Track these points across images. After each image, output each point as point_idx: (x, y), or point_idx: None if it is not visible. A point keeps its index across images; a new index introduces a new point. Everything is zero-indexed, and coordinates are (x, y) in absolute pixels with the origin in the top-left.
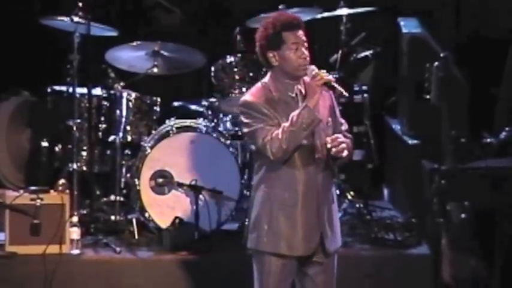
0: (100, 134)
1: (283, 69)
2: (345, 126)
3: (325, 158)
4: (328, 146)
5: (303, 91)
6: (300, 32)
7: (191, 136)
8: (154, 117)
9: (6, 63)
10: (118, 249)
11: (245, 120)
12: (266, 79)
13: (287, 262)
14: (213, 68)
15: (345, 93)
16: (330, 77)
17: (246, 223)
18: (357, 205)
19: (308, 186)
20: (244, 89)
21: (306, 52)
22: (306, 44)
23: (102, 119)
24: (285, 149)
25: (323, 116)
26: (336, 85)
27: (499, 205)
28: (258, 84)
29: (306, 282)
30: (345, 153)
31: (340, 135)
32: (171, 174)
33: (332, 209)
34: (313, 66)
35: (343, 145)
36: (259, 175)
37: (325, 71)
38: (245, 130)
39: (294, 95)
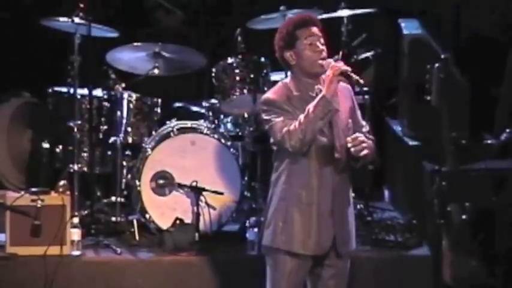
0: (101, 135)
1: (301, 67)
2: (365, 128)
3: (344, 160)
4: (349, 145)
5: (323, 90)
6: (314, 28)
7: (192, 137)
8: (155, 119)
9: (6, 64)
10: (119, 250)
11: (266, 117)
12: (287, 79)
13: (302, 262)
14: (213, 69)
15: (361, 81)
16: (346, 67)
17: (247, 223)
18: (358, 206)
19: (323, 184)
20: (245, 90)
21: (321, 46)
22: (321, 40)
23: (103, 120)
24: (302, 139)
25: (343, 117)
26: (352, 74)
27: (500, 206)
28: (279, 84)
29: (318, 285)
30: (365, 152)
31: (360, 135)
32: (171, 175)
33: (347, 212)
34: (330, 60)
35: (364, 145)
36: (278, 173)
37: (341, 62)
38: (266, 127)
39: (314, 94)
